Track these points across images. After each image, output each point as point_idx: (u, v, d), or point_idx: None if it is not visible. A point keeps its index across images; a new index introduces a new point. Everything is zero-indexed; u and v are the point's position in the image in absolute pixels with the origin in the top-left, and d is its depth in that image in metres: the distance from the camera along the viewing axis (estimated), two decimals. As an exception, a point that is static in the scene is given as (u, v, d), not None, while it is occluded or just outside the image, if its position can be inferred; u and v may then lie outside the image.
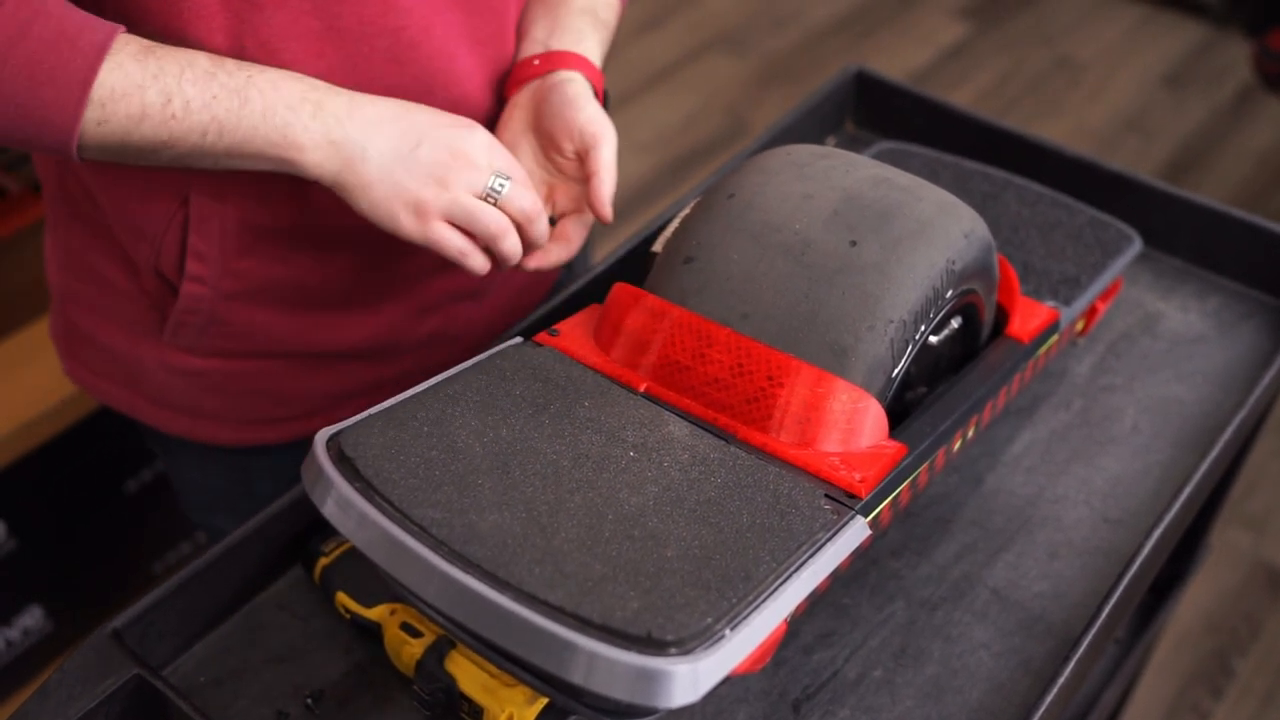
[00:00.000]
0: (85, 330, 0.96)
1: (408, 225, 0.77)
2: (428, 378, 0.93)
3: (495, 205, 0.79)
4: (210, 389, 0.94)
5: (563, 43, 0.88)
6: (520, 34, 0.91)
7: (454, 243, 0.79)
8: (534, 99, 0.86)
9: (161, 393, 0.95)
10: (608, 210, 0.82)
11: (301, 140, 0.74)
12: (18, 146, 0.74)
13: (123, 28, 0.73)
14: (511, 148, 0.86)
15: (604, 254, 1.18)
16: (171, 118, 0.72)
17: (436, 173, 0.77)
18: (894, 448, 0.71)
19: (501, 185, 0.79)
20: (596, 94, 0.87)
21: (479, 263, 0.80)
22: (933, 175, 1.02)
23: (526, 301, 1.03)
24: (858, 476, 0.68)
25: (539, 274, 0.97)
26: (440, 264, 0.92)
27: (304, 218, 0.86)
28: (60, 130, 0.71)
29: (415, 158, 0.76)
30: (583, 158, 0.84)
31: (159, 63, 0.72)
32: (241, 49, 0.77)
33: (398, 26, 0.81)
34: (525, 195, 0.80)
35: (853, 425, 0.71)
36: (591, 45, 0.89)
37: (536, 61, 0.87)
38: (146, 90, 0.72)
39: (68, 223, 0.93)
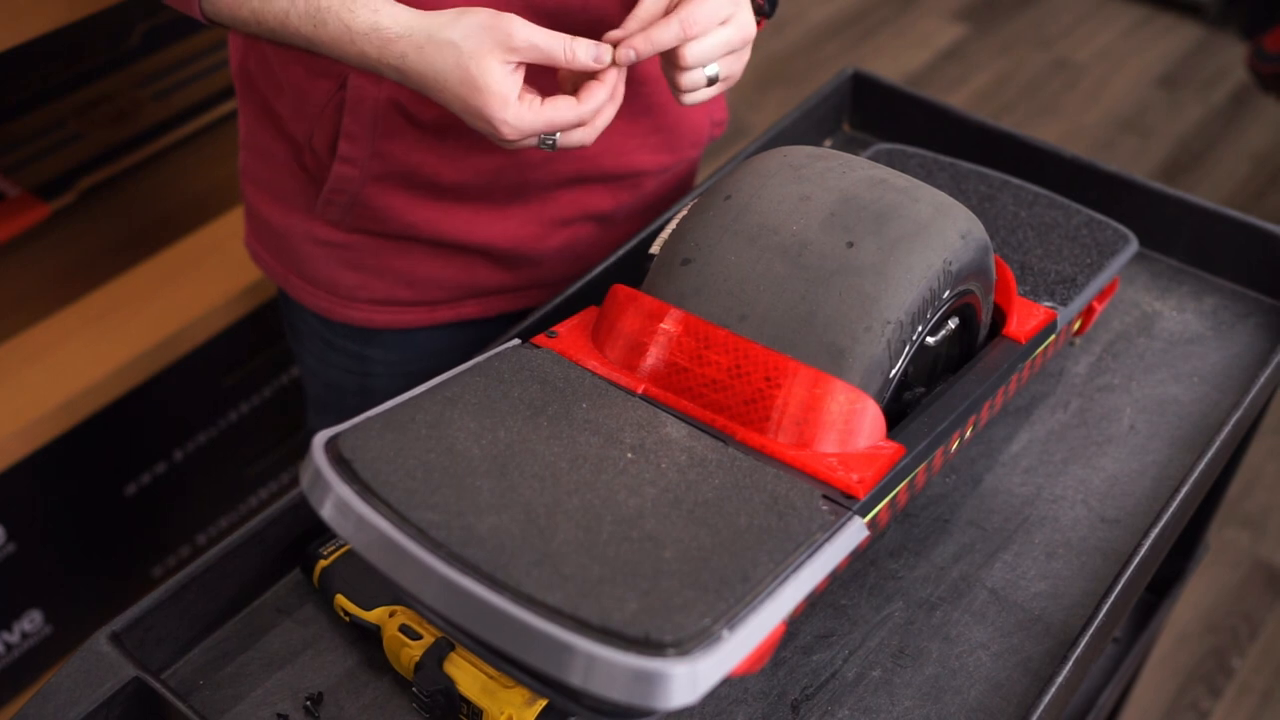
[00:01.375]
0: (254, 202, 1.07)
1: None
2: (555, 290, 0.99)
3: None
4: (348, 264, 1.02)
5: None
6: None
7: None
8: None
9: (305, 265, 1.04)
10: (634, 45, 0.80)
11: (380, 70, 0.80)
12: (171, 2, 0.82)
13: None
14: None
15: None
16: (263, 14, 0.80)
17: (488, 134, 0.81)
18: (892, 448, 0.71)
19: (551, 143, 0.81)
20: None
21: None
22: (929, 177, 1.02)
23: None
24: (855, 477, 0.69)
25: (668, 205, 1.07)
26: (573, 180, 0.99)
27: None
28: None
29: (468, 119, 0.80)
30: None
31: None
32: None
33: None
34: (575, 133, 0.81)
35: (850, 426, 0.71)
36: None
37: None
38: None
39: (244, 99, 1.03)
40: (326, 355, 1.12)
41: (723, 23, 0.82)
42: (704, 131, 1.09)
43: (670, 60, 0.83)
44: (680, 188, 1.11)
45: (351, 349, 1.09)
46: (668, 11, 0.82)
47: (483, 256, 1.03)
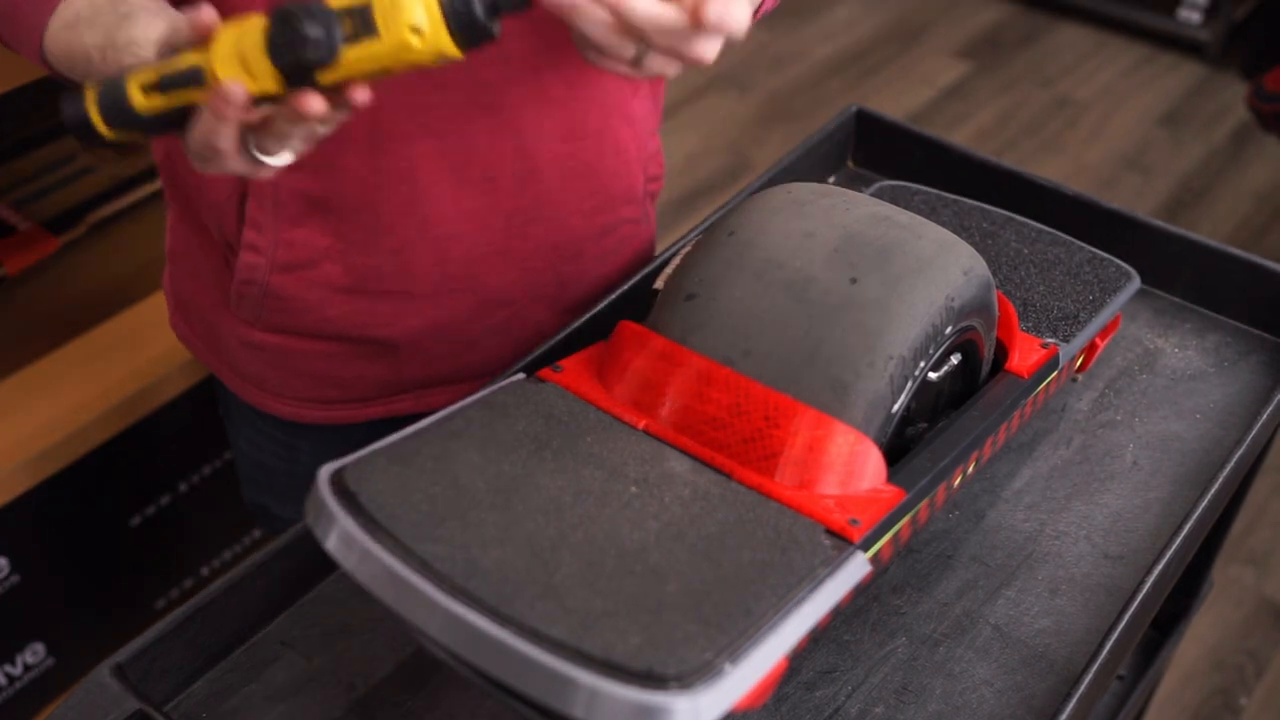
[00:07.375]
0: (185, 292, 1.05)
1: None
2: (491, 375, 0.93)
3: None
4: (270, 363, 0.99)
5: None
6: None
7: None
8: None
9: (233, 359, 1.01)
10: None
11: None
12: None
13: None
14: None
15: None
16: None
17: None
18: (891, 492, 0.71)
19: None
20: None
21: None
22: (933, 213, 1.03)
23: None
24: (853, 521, 0.69)
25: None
26: (501, 252, 0.93)
27: (344, 189, 0.87)
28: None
29: None
30: None
31: None
32: None
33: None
34: None
35: (850, 469, 0.71)
36: None
37: None
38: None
39: (169, 195, 1.01)
40: (257, 440, 1.08)
41: None
42: (639, 188, 1.01)
43: None
44: (633, 258, 1.04)
45: (280, 438, 1.06)
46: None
47: (410, 350, 0.96)
